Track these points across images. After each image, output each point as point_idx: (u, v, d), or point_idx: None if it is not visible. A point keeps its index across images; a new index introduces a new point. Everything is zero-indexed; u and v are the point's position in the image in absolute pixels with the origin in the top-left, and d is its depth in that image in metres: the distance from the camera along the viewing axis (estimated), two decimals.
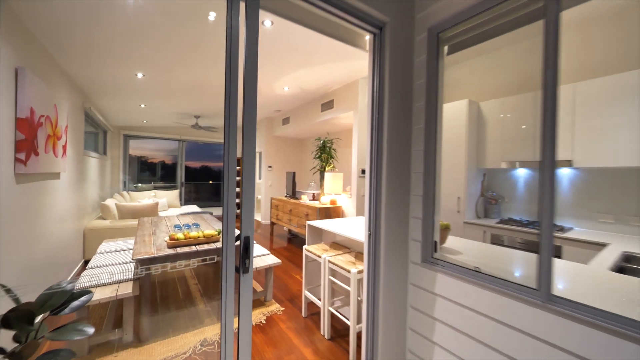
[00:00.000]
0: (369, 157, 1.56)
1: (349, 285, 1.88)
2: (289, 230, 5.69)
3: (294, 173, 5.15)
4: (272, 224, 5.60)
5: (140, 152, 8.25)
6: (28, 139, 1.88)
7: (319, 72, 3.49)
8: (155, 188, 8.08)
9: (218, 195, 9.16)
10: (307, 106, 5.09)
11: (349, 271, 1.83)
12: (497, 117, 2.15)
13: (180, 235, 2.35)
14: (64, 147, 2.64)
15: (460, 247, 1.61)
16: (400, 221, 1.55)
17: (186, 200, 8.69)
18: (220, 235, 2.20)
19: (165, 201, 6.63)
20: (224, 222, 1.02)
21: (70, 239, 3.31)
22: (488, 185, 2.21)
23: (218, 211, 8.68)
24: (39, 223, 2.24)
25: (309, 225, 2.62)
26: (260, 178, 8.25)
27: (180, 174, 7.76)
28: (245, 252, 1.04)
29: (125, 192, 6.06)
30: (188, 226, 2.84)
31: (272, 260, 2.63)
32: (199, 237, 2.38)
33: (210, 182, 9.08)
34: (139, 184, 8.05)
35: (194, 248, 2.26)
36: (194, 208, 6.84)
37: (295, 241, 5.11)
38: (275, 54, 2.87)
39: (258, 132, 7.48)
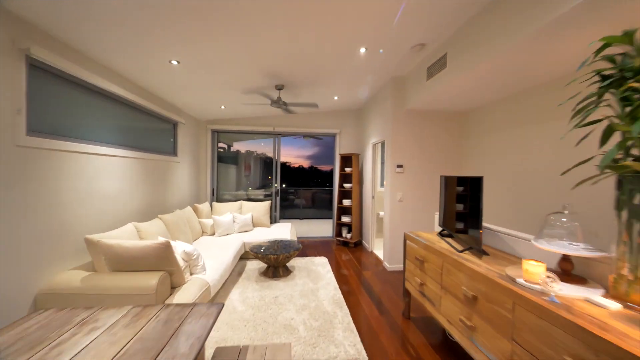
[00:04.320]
0: None
1: None
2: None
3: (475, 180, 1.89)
4: (407, 292, 2.51)
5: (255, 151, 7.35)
6: None
7: None
8: (266, 196, 6.57)
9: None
10: (496, 8, 1.73)
11: None
12: None
13: None
14: None
15: None
16: None
17: (287, 209, 6.81)
18: None
19: (250, 218, 4.71)
20: None
21: None
22: None
23: (326, 228, 6.17)
24: None
25: None
26: (381, 185, 5.28)
27: (275, 180, 5.75)
28: None
29: (201, 205, 4.54)
30: None
31: None
32: None
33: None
34: (244, 191, 6.85)
35: None
36: (283, 231, 4.61)
37: (460, 352, 1.81)
38: None
39: (374, 108, 4.50)
